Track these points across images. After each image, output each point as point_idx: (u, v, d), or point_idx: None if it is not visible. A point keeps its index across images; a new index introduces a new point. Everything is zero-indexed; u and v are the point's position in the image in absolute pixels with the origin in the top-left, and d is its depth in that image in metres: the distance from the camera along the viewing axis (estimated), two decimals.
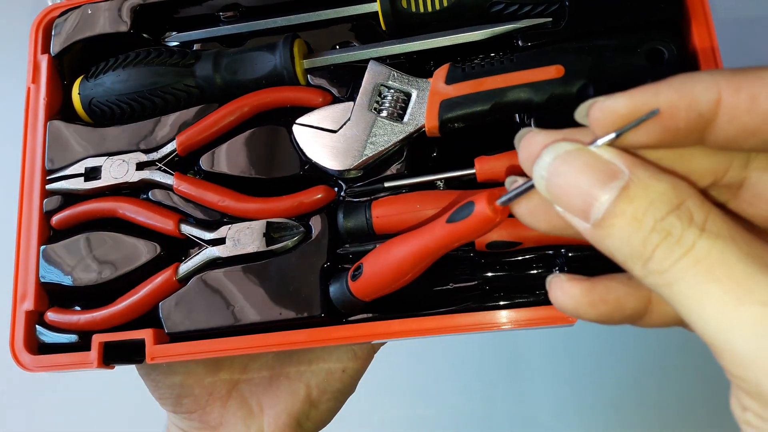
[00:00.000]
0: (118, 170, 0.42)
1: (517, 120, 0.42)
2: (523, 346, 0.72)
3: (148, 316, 0.40)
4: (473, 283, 0.38)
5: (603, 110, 0.21)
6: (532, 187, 0.23)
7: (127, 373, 0.44)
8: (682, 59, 0.36)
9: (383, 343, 0.45)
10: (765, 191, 0.22)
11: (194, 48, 0.47)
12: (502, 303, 0.36)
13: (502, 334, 0.70)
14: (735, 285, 0.18)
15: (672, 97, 0.20)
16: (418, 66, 0.42)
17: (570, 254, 0.36)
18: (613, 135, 0.21)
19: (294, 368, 0.45)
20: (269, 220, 0.39)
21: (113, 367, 0.41)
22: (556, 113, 0.37)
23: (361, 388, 0.71)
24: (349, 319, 0.38)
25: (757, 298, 0.17)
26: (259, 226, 0.39)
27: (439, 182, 0.40)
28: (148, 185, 0.42)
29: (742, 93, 0.19)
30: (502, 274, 0.37)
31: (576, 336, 0.70)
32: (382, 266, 0.35)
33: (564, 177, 0.21)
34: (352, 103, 0.40)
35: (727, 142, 0.20)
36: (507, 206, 0.26)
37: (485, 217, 0.29)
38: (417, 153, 0.40)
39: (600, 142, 0.21)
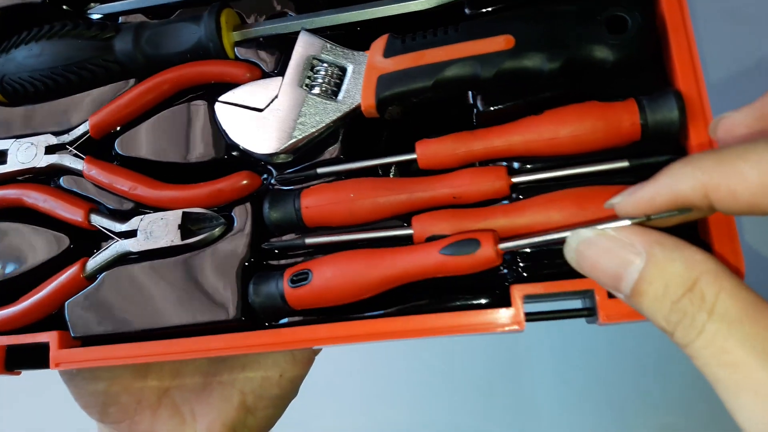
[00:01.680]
0: (25, 154, 0.38)
1: (470, 101, 0.37)
2: (522, 346, 0.70)
3: (57, 317, 0.36)
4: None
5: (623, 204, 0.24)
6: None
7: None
8: (647, 29, 0.31)
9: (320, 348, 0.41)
10: None
11: (119, 21, 0.42)
12: (443, 305, 0.32)
13: (500, 334, 0.68)
14: (735, 371, 0.19)
15: (668, 199, 0.22)
16: (362, 40, 0.38)
17: (521, 254, 0.32)
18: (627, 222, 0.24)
19: (227, 373, 0.41)
20: (186, 210, 0.35)
21: (19, 373, 0.37)
22: (506, 89, 0.33)
23: (360, 388, 0.67)
24: (272, 323, 0.34)
25: (752, 387, 0.19)
26: (174, 217, 0.34)
27: (390, 170, 0.36)
28: (58, 171, 0.38)
29: (722, 190, 0.21)
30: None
31: (576, 336, 0.69)
32: (341, 280, 0.31)
33: (589, 261, 0.24)
34: (281, 78, 0.35)
35: (731, 213, 0.22)
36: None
37: (488, 260, 0.29)
38: (355, 136, 0.36)
39: (619, 224, 0.24)
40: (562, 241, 0.29)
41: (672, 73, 0.32)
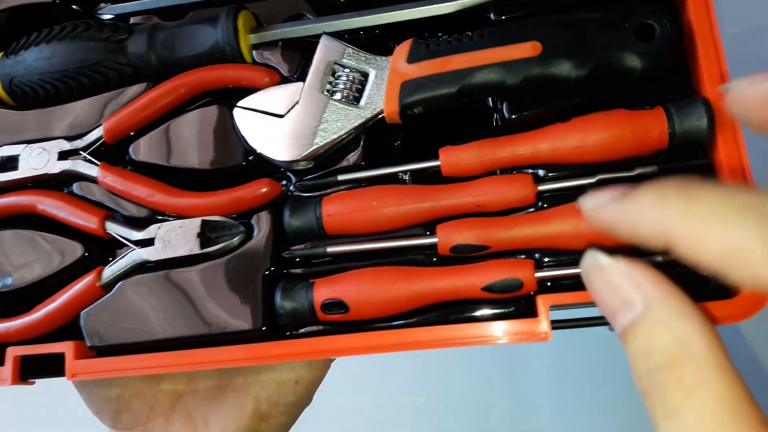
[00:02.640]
0: (37, 160, 0.37)
1: (490, 105, 0.37)
2: (523, 346, 0.70)
3: (72, 326, 0.36)
4: None
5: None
6: None
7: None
8: (675, 37, 0.31)
9: None
10: None
11: (130, 21, 0.41)
12: (466, 315, 0.32)
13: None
14: None
15: (629, 232, 0.21)
16: (380, 44, 0.37)
17: (546, 259, 0.31)
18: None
19: (241, 379, 0.41)
20: (205, 218, 0.34)
21: (33, 383, 0.37)
22: (533, 96, 0.33)
23: (358, 388, 0.67)
24: (292, 332, 0.34)
25: None
26: (192, 225, 0.34)
27: (401, 175, 0.35)
28: (71, 177, 0.37)
29: (682, 249, 0.19)
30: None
31: (576, 336, 0.68)
32: (379, 309, 0.31)
33: (595, 286, 0.23)
34: (301, 83, 0.35)
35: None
36: None
37: (527, 292, 0.30)
38: (376, 142, 0.36)
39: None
40: None
41: (699, 80, 0.31)
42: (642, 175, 0.31)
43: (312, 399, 0.43)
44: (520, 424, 0.69)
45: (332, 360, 0.43)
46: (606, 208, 0.22)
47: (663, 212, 0.19)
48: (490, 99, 0.37)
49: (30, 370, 0.35)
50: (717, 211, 0.18)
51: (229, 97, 0.37)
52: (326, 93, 0.34)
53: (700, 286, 0.29)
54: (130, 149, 0.37)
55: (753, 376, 0.63)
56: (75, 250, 0.36)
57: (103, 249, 0.37)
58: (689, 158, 0.31)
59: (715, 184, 0.19)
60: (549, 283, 0.31)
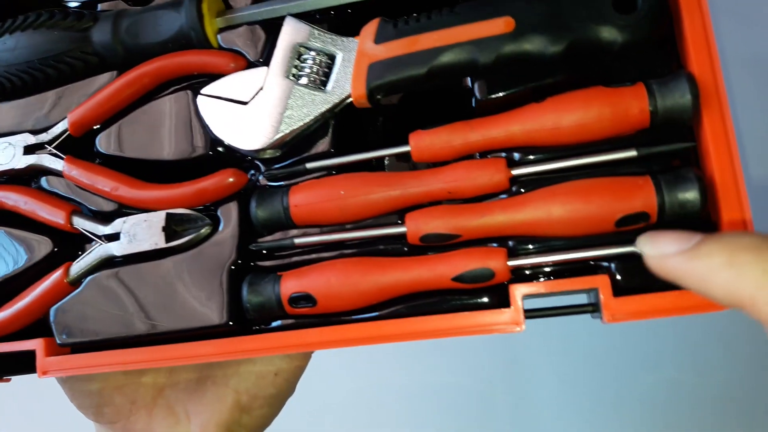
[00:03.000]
0: (3, 155, 0.36)
1: (469, 86, 0.35)
2: (523, 346, 0.69)
3: (44, 322, 0.35)
4: None
5: None
6: None
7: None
8: (658, 7, 0.29)
9: None
10: None
11: (98, 8, 0.40)
12: (438, 306, 0.30)
13: (501, 335, 0.68)
14: None
15: (697, 290, 0.22)
16: (354, 24, 0.36)
17: (520, 247, 0.30)
18: None
19: (221, 372, 0.40)
20: (170, 211, 0.33)
21: (9, 380, 0.37)
22: (506, 75, 0.31)
23: (358, 388, 0.66)
24: (261, 327, 0.33)
25: None
26: (157, 218, 0.33)
27: (375, 161, 0.34)
28: (38, 172, 0.36)
29: (758, 314, 0.19)
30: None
31: (576, 336, 0.68)
32: (348, 302, 0.30)
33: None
34: (266, 68, 0.33)
35: None
36: None
37: (499, 282, 0.29)
38: (346, 127, 0.34)
39: None
40: (577, 260, 0.28)
41: (685, 54, 0.29)
42: (624, 160, 0.29)
43: (294, 390, 0.42)
44: (520, 424, 0.68)
45: (312, 351, 0.42)
46: (672, 260, 0.21)
47: (737, 278, 0.18)
48: (469, 80, 0.35)
49: (4, 367, 0.35)
50: None
51: (196, 84, 0.35)
52: (292, 77, 0.33)
53: None
54: (97, 141, 0.36)
55: (734, 365, 0.61)
56: (44, 245, 0.35)
57: (72, 244, 0.36)
58: (673, 140, 0.29)
59: None
60: (528, 272, 0.30)
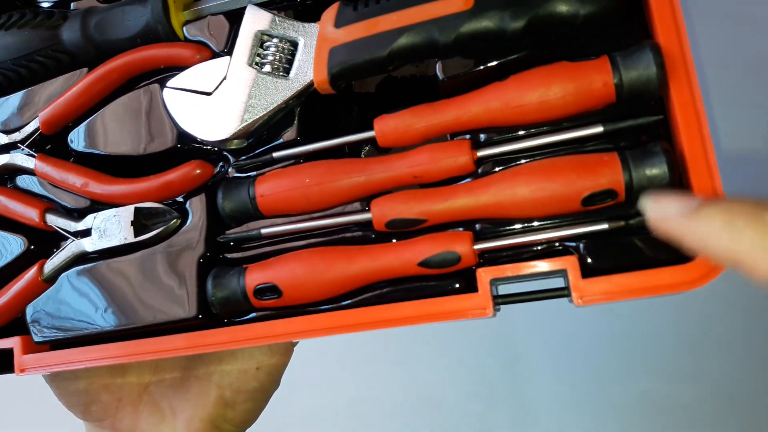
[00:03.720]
0: None
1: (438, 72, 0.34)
2: (523, 346, 0.68)
3: (22, 321, 0.35)
4: None
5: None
6: None
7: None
8: None
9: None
10: None
11: (71, 6, 0.40)
12: (407, 294, 0.30)
13: (500, 333, 0.68)
14: None
15: (695, 246, 0.22)
16: (317, 11, 0.35)
17: (487, 230, 0.29)
18: None
19: (204, 368, 0.40)
20: (138, 205, 0.33)
21: None
22: (468, 55, 0.30)
23: (355, 389, 0.66)
24: (230, 321, 0.33)
25: None
26: (126, 213, 0.33)
27: (347, 148, 0.33)
28: (12, 171, 0.37)
29: (752, 274, 0.20)
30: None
31: (576, 336, 0.67)
32: (314, 292, 0.30)
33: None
34: (229, 57, 0.33)
35: None
36: None
37: (466, 266, 0.29)
38: (312, 115, 0.34)
39: None
40: (545, 241, 0.27)
41: (652, 27, 0.28)
42: (591, 137, 0.28)
43: (279, 384, 0.42)
44: (519, 423, 0.68)
45: (294, 345, 0.42)
46: (673, 222, 0.22)
47: (734, 240, 0.20)
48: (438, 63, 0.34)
49: None
50: None
51: (165, 78, 0.35)
52: (255, 66, 0.32)
53: (655, 252, 0.27)
54: (69, 139, 0.36)
55: (704, 343, 0.60)
56: (19, 244, 0.35)
57: (47, 242, 0.36)
58: (642, 114, 0.28)
59: None
60: (497, 256, 0.29)
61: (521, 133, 0.29)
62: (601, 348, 0.66)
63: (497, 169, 0.30)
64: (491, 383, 0.69)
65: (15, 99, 0.38)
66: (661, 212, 0.23)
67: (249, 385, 0.40)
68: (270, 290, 0.30)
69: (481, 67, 0.30)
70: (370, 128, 0.32)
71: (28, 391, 0.76)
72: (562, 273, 0.27)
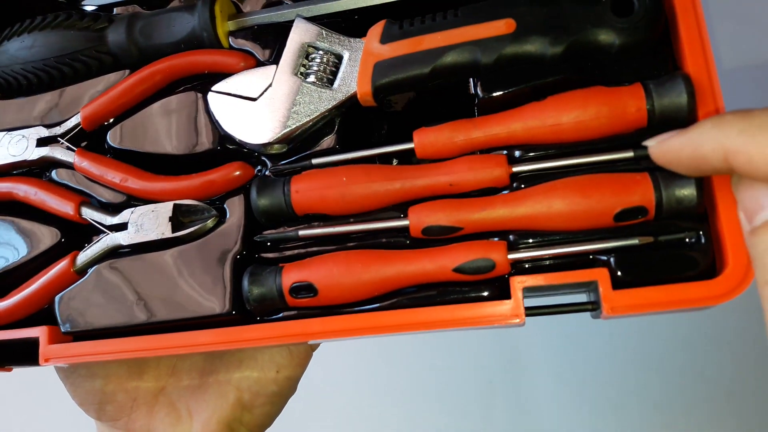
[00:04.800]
0: (16, 147, 0.37)
1: (473, 88, 0.36)
2: (523, 346, 0.69)
3: (48, 312, 0.35)
4: None
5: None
6: None
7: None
8: (655, 10, 0.30)
9: (318, 342, 0.40)
10: None
11: (114, 11, 0.42)
12: (439, 298, 0.31)
13: (501, 333, 0.68)
14: None
15: (691, 155, 0.25)
16: (359, 29, 0.37)
17: (520, 240, 0.30)
18: None
19: (224, 370, 0.40)
20: (176, 202, 0.34)
21: (10, 369, 0.37)
22: (508, 75, 0.32)
23: (359, 388, 0.66)
24: (263, 318, 0.33)
25: None
26: (164, 209, 0.33)
27: (378, 159, 0.35)
28: (50, 164, 0.37)
29: (740, 158, 0.22)
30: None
31: (577, 337, 0.68)
32: (349, 294, 0.31)
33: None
34: (275, 66, 0.34)
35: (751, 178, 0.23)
36: None
37: (500, 274, 0.30)
38: (351, 125, 0.35)
39: None
40: (577, 253, 0.29)
41: (680, 55, 0.30)
42: (622, 159, 0.30)
43: (296, 389, 0.42)
44: (519, 423, 0.68)
45: (314, 349, 0.42)
46: (670, 141, 0.25)
47: (722, 131, 0.22)
48: (472, 83, 0.36)
49: (6, 356, 0.35)
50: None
51: (207, 83, 0.36)
52: (299, 75, 0.34)
53: (683, 268, 0.28)
54: (108, 136, 0.37)
55: (734, 357, 0.61)
56: (52, 235, 0.36)
57: (79, 234, 0.36)
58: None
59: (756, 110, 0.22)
60: (526, 265, 0.30)
61: (553, 151, 0.31)
62: (601, 347, 0.66)
63: (526, 185, 0.31)
64: (491, 382, 0.69)
65: (56, 95, 0.38)
66: (660, 139, 0.26)
67: (268, 389, 0.40)
68: (306, 289, 0.31)
69: (520, 87, 0.31)
70: (399, 141, 0.33)
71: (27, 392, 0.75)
72: (592, 285, 0.29)
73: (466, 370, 0.71)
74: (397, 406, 0.72)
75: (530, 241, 0.30)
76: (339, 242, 0.33)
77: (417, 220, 0.31)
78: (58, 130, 0.37)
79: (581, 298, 0.34)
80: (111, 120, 0.37)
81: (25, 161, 0.37)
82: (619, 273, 0.29)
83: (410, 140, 0.33)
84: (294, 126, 0.33)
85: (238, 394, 0.40)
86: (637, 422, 0.64)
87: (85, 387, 0.40)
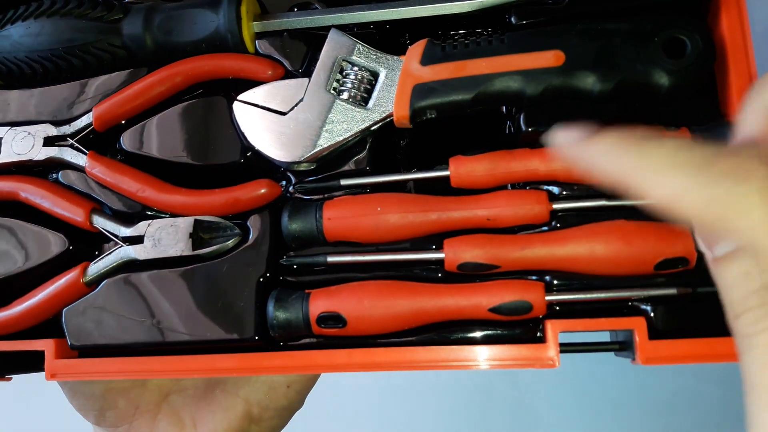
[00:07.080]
0: (21, 144, 0.35)
1: (503, 111, 0.35)
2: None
3: (53, 323, 0.34)
4: None
5: None
6: None
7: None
8: (707, 54, 0.29)
9: None
10: None
11: (126, 0, 0.39)
12: (470, 335, 0.30)
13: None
14: None
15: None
16: (391, 39, 0.35)
17: (556, 282, 0.30)
18: None
19: (231, 380, 0.39)
20: (198, 217, 0.32)
21: (10, 379, 0.35)
22: (552, 109, 0.31)
23: (357, 387, 0.64)
24: (288, 344, 0.32)
25: None
26: (185, 224, 0.32)
27: (409, 184, 0.34)
28: (57, 165, 0.35)
29: (632, 190, 0.21)
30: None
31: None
32: (379, 326, 0.30)
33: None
34: (306, 79, 0.33)
35: None
36: None
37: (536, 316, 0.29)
38: (382, 146, 0.34)
39: None
40: (615, 299, 0.28)
41: (729, 102, 0.30)
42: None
43: (303, 403, 0.42)
44: (519, 422, 0.69)
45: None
46: (571, 147, 0.23)
47: (619, 160, 0.21)
48: (504, 108, 0.35)
49: (8, 365, 0.34)
50: (662, 165, 0.20)
51: (227, 88, 0.34)
52: (333, 92, 0.32)
53: (720, 321, 0.28)
54: (121, 138, 0.35)
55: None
56: (59, 242, 0.34)
57: (87, 243, 0.35)
58: None
59: (664, 140, 0.21)
60: (557, 308, 0.30)
61: (594, 190, 0.30)
62: (602, 356, 0.68)
63: (564, 224, 0.30)
64: (491, 384, 0.69)
65: (65, 89, 0.36)
66: (563, 139, 0.24)
67: (278, 403, 0.39)
68: (334, 319, 0.30)
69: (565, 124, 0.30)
70: (429, 165, 0.32)
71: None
72: (628, 333, 0.28)
73: (465, 374, 0.71)
74: (393, 406, 0.72)
75: (568, 283, 0.30)
76: (367, 270, 0.32)
77: (453, 255, 0.30)
78: (67, 129, 0.35)
79: (605, 335, 0.34)
80: (123, 121, 0.35)
81: (30, 161, 0.35)
82: (655, 322, 0.28)
83: (441, 164, 0.32)
84: (326, 145, 0.32)
85: (246, 407, 0.39)
86: (636, 424, 0.66)
87: (85, 392, 0.39)
